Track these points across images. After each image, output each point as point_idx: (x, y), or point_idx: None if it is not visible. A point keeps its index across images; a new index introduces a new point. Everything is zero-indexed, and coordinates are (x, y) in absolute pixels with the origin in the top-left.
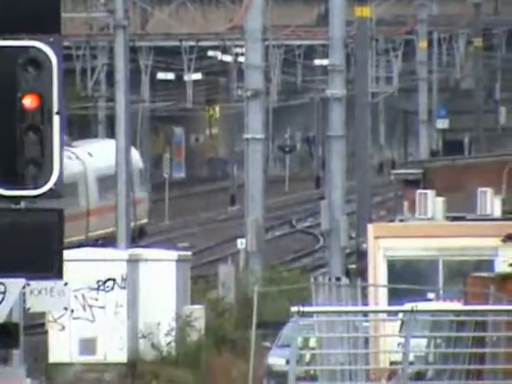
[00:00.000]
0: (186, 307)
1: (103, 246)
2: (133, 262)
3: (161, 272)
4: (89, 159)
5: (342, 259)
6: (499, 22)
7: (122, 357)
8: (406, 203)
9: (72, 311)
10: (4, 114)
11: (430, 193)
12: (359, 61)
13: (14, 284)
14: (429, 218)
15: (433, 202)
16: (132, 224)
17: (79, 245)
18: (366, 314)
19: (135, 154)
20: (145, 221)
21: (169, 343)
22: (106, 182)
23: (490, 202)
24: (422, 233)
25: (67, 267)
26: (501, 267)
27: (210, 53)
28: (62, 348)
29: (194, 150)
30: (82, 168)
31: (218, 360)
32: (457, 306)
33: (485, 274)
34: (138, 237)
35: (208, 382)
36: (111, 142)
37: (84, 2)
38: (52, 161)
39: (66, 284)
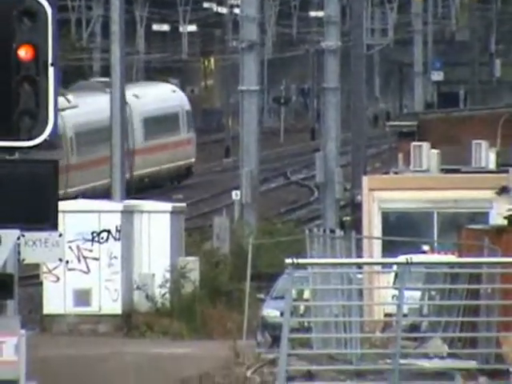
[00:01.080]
0: (180, 259)
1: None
2: (127, 213)
3: (155, 223)
4: (135, 101)
5: (336, 211)
6: None
7: (116, 308)
8: (400, 155)
9: (67, 262)
10: None
11: (425, 145)
12: (354, 12)
13: (9, 235)
14: (423, 170)
15: (427, 155)
16: (181, 163)
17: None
18: (360, 266)
19: (183, 97)
20: (192, 160)
21: (163, 295)
22: (151, 123)
23: (485, 155)
24: (416, 185)
25: (62, 218)
26: (495, 219)
27: (206, 4)
28: (56, 299)
29: (189, 101)
30: (128, 110)
31: (213, 311)
32: (451, 258)
33: (479, 227)
34: (185, 175)
35: (202, 334)
36: (157, 85)
37: None
38: (47, 112)
39: (60, 235)
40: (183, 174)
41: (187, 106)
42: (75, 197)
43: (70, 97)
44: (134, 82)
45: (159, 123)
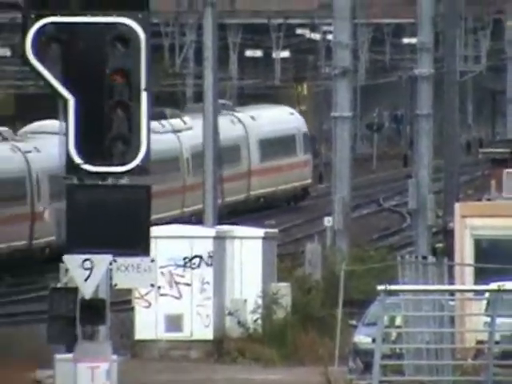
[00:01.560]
0: (272, 285)
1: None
2: (219, 239)
3: (247, 249)
4: (251, 123)
5: (428, 238)
6: None
7: (208, 334)
8: (493, 182)
9: (158, 288)
10: (93, 90)
11: None
12: (448, 39)
13: (101, 260)
14: None
15: None
16: (297, 184)
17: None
18: (452, 292)
19: (300, 119)
20: (308, 181)
21: (255, 320)
22: (267, 145)
23: None
24: (509, 212)
25: (154, 244)
26: None
27: (299, 31)
28: (148, 325)
29: None
30: (244, 131)
31: (304, 338)
32: None
33: None
34: (301, 196)
35: (294, 360)
36: (275, 107)
37: None
38: (139, 137)
39: (152, 261)
40: (299, 194)
41: (304, 129)
42: (191, 216)
43: (185, 118)
44: (253, 105)
45: (275, 145)
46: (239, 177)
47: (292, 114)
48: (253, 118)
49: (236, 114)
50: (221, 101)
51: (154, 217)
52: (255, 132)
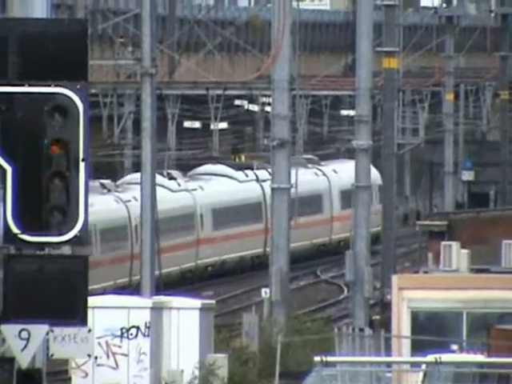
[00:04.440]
0: (209, 355)
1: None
2: (156, 309)
3: (184, 320)
4: (334, 175)
5: (365, 310)
6: None
7: None
8: (430, 255)
9: (95, 358)
10: (31, 160)
11: (455, 245)
12: (386, 112)
13: (38, 330)
14: (453, 269)
15: (457, 254)
16: (374, 230)
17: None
18: (389, 364)
19: (376, 173)
20: (379, 228)
21: None
22: (347, 195)
23: None
24: (446, 285)
25: (91, 314)
26: None
27: (237, 102)
28: None
29: None
30: (327, 183)
31: None
32: (480, 358)
33: (509, 327)
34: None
35: None
36: (351, 162)
37: (111, 50)
38: (77, 208)
39: (89, 331)
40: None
41: (379, 181)
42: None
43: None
44: (336, 159)
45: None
46: (323, 222)
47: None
48: (335, 171)
49: (320, 167)
50: (306, 156)
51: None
52: (337, 184)
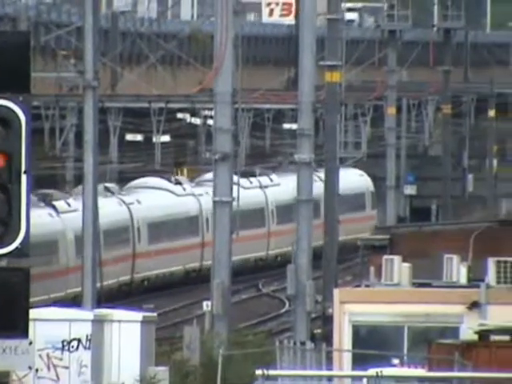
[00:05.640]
0: (150, 368)
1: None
2: (98, 322)
3: (125, 333)
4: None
5: (307, 324)
6: (468, 90)
7: None
8: (372, 268)
9: (36, 370)
10: None
11: (397, 259)
12: (328, 125)
13: None
14: (395, 283)
15: (399, 268)
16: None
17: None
18: (330, 378)
19: (368, 180)
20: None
21: None
22: (344, 200)
23: (456, 269)
24: (387, 299)
25: (32, 326)
26: (466, 334)
27: (179, 115)
28: None
29: None
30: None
31: None
32: (421, 372)
33: (450, 341)
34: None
35: None
36: (349, 170)
37: (54, 62)
38: (19, 220)
39: (30, 343)
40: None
41: (371, 188)
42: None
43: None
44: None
45: (350, 200)
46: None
47: (362, 175)
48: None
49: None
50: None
51: None
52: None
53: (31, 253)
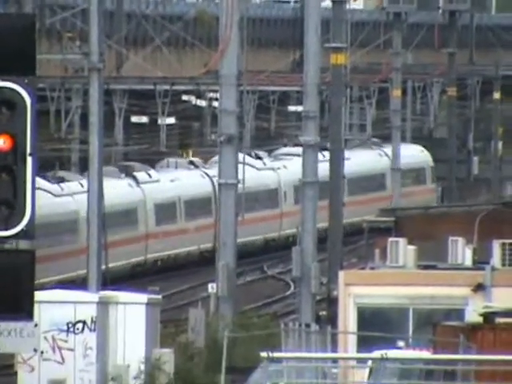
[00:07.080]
0: (155, 350)
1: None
2: (103, 304)
3: (130, 315)
4: (386, 159)
5: (312, 306)
6: (473, 72)
7: None
8: (377, 251)
9: (42, 353)
10: None
11: (402, 241)
12: (333, 108)
13: None
14: (400, 266)
15: (404, 251)
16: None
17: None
18: (335, 360)
19: (428, 155)
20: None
21: None
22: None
23: (462, 252)
24: (392, 281)
25: (37, 309)
26: (471, 317)
27: (185, 97)
28: None
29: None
30: (387, 162)
31: None
32: (426, 354)
33: (455, 323)
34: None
35: None
36: (410, 146)
37: (59, 44)
38: (24, 202)
39: (36, 325)
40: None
41: (431, 163)
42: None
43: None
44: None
45: (411, 174)
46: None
47: (422, 151)
48: (386, 154)
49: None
50: (373, 139)
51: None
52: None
53: (113, 221)
